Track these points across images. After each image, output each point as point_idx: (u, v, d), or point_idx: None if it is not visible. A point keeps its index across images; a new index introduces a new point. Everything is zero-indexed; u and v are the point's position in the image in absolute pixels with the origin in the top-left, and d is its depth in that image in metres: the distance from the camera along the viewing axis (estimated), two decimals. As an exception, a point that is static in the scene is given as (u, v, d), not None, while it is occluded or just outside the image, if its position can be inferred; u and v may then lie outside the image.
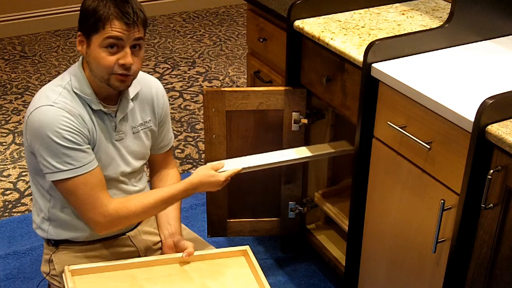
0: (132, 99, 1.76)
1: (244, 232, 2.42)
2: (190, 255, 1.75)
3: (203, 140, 3.22)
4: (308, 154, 2.18)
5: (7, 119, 3.58)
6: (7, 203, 2.90)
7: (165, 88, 1.89)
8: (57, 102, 1.62)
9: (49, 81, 1.73)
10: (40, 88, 1.72)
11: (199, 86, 3.98)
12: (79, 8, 1.66)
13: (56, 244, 1.80)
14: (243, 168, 1.96)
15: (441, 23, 1.94)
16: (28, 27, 4.68)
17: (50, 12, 4.73)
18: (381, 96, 1.83)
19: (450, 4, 1.89)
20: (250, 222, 2.40)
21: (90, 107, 1.68)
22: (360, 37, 2.02)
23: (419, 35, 1.88)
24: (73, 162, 1.62)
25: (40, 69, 4.16)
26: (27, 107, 1.68)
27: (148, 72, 1.95)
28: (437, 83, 1.71)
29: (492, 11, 1.92)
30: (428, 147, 1.66)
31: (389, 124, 1.79)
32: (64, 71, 1.75)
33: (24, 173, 3.09)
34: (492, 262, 1.56)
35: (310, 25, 2.11)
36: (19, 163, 3.17)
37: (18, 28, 4.65)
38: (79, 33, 1.66)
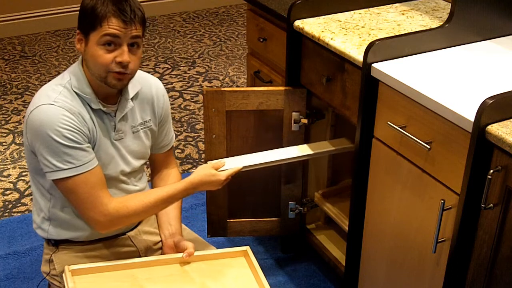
0: (132, 99, 1.76)
1: (244, 232, 2.42)
2: (190, 255, 1.75)
3: (203, 140, 3.22)
4: (309, 152, 2.18)
5: (7, 119, 3.58)
6: (7, 203, 2.90)
7: (165, 88, 1.89)
8: (57, 101, 1.63)
9: (49, 81, 1.73)
10: (40, 88, 1.72)
11: (199, 86, 3.98)
12: (79, 8, 1.66)
13: (56, 244, 1.80)
14: (244, 167, 1.96)
15: (441, 23, 1.94)
16: (28, 27, 4.68)
17: (50, 12, 4.73)
18: (381, 96, 1.83)
19: (450, 4, 1.89)
20: (250, 222, 2.40)
21: (90, 106, 1.68)
22: (360, 37, 2.02)
23: (419, 35, 1.88)
24: (74, 160, 1.62)
25: (40, 69, 4.16)
26: (27, 107, 1.68)
27: (148, 72, 1.94)
28: (437, 83, 1.71)
29: (492, 11, 1.92)
30: (428, 147, 1.66)
31: (389, 124, 1.79)
32: (64, 71, 1.75)
33: (24, 173, 3.09)
34: (492, 262, 1.56)
35: (310, 25, 2.12)
36: (19, 163, 3.17)
37: (18, 28, 4.65)
38: (78, 31, 1.66)
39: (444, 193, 1.66)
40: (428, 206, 1.73)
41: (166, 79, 4.05)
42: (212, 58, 4.36)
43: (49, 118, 1.60)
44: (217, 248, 1.91)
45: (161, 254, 1.85)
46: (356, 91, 1.92)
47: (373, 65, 1.81)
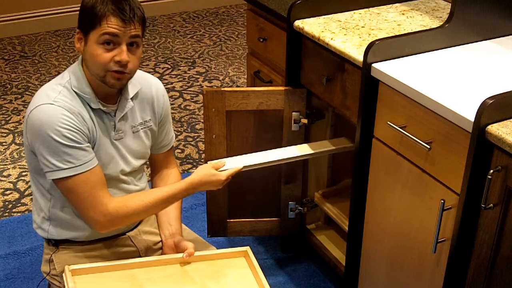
0: (131, 99, 1.76)
1: (244, 232, 2.42)
2: (190, 255, 1.75)
3: (203, 140, 3.22)
4: (309, 151, 2.18)
5: (7, 119, 3.58)
6: (7, 203, 2.90)
7: (165, 88, 1.89)
8: (57, 101, 1.63)
9: (49, 81, 1.74)
10: (40, 87, 1.72)
11: (199, 86, 3.98)
12: (79, 8, 1.66)
13: (57, 244, 1.80)
14: (244, 167, 1.96)
15: (441, 23, 1.94)
16: (28, 27, 4.68)
17: (50, 12, 4.73)
18: (381, 96, 1.83)
19: (450, 4, 1.89)
20: (250, 222, 2.40)
21: (90, 106, 1.68)
22: (360, 37, 2.02)
23: (419, 35, 1.88)
24: (73, 160, 1.62)
25: (40, 69, 4.16)
26: (27, 107, 1.68)
27: (148, 72, 1.94)
28: (437, 83, 1.71)
29: (492, 11, 1.92)
30: (428, 147, 1.66)
31: (389, 124, 1.79)
32: (64, 71, 1.75)
33: (24, 173, 3.09)
34: (492, 262, 1.56)
35: (310, 25, 2.12)
36: (19, 163, 3.17)
37: (18, 28, 4.65)
38: (77, 30, 1.66)
39: (444, 193, 1.66)
40: (428, 206, 1.73)
41: (166, 79, 4.05)
42: (212, 58, 4.36)
43: (48, 117, 1.60)
44: (217, 248, 1.91)
45: (161, 254, 1.85)
46: (356, 91, 1.92)
47: (373, 65, 1.81)
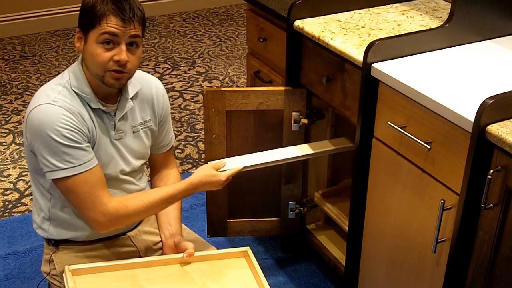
0: (131, 98, 1.76)
1: (244, 232, 2.42)
2: (190, 255, 1.75)
3: (203, 140, 3.22)
4: (309, 151, 2.18)
5: (7, 119, 3.58)
6: (7, 203, 2.90)
7: (165, 88, 1.89)
8: (57, 101, 1.63)
9: (49, 81, 1.74)
10: (40, 87, 1.72)
11: (199, 86, 3.98)
12: (79, 8, 1.67)
13: (57, 244, 1.80)
14: (244, 167, 1.96)
15: (441, 23, 1.94)
16: (28, 27, 4.68)
17: (50, 12, 4.73)
18: (381, 96, 1.83)
19: (450, 4, 1.89)
20: (250, 222, 2.40)
21: (89, 106, 1.68)
22: (360, 37, 2.02)
23: (419, 35, 1.88)
24: (73, 160, 1.62)
25: (40, 69, 4.16)
26: (27, 107, 1.68)
27: (148, 72, 1.94)
28: (437, 83, 1.71)
29: (492, 11, 1.92)
30: (428, 147, 1.66)
31: (389, 124, 1.79)
32: (64, 71, 1.75)
33: (24, 173, 3.09)
34: (492, 262, 1.56)
35: (310, 25, 2.12)
36: (19, 163, 3.17)
37: (18, 28, 4.65)
38: (77, 29, 1.66)
39: (444, 193, 1.66)
40: (428, 206, 1.73)
41: (166, 79, 4.05)
42: (212, 58, 4.36)
43: (48, 117, 1.60)
44: (217, 248, 1.91)
45: (161, 254, 1.85)
46: (356, 91, 1.92)
47: (373, 65, 1.81)
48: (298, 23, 2.14)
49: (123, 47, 1.62)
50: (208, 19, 5.06)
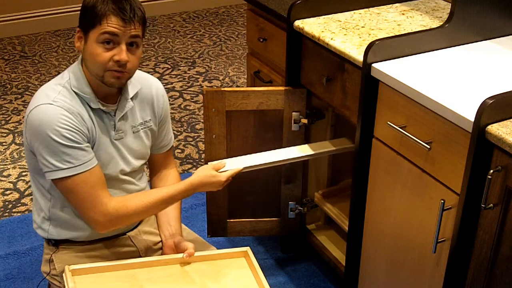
0: (131, 99, 1.76)
1: (244, 232, 2.42)
2: (190, 255, 1.75)
3: (203, 140, 3.22)
4: (310, 152, 2.18)
5: (7, 119, 3.58)
6: (7, 203, 2.90)
7: (165, 88, 1.89)
8: (56, 101, 1.63)
9: (49, 81, 1.74)
10: (40, 87, 1.72)
11: (199, 86, 3.98)
12: (79, 8, 1.67)
13: (57, 244, 1.80)
14: (244, 168, 1.96)
15: (441, 23, 1.94)
16: (28, 27, 4.68)
17: (50, 12, 4.73)
18: (381, 96, 1.83)
19: (450, 4, 1.89)
20: (250, 222, 2.40)
21: (89, 106, 1.68)
22: (360, 37, 2.02)
23: (419, 35, 1.88)
24: (73, 160, 1.62)
25: (40, 69, 4.16)
26: (27, 107, 1.68)
27: (148, 72, 1.95)
28: (437, 83, 1.71)
29: (492, 11, 1.92)
30: (428, 147, 1.66)
31: (389, 124, 1.79)
32: (64, 71, 1.75)
33: (24, 173, 3.09)
34: (492, 262, 1.56)
35: (310, 25, 2.12)
36: (19, 163, 3.17)
37: (18, 28, 4.65)
38: (78, 29, 1.66)
39: (444, 193, 1.66)
40: (428, 206, 1.73)
41: (166, 79, 4.05)
42: (212, 58, 4.36)
43: (48, 117, 1.60)
44: (217, 248, 1.91)
45: (161, 254, 1.85)
46: (356, 91, 1.92)
47: (373, 65, 1.81)
48: (298, 23, 2.14)
49: (123, 47, 1.62)
50: (208, 19, 5.06)
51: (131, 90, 1.75)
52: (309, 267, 2.52)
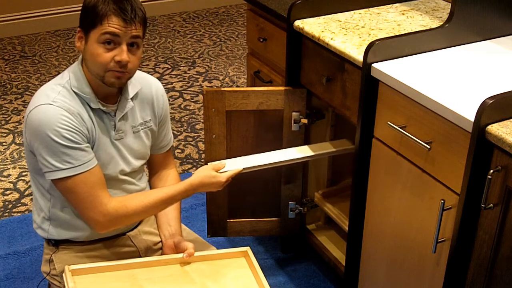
0: (131, 99, 1.76)
1: (244, 232, 2.42)
2: (190, 255, 1.75)
3: (203, 140, 3.22)
4: (310, 153, 2.18)
5: (7, 119, 3.58)
6: (7, 203, 2.90)
7: (165, 88, 1.89)
8: (56, 101, 1.63)
9: (49, 81, 1.74)
10: (40, 87, 1.72)
11: (199, 86, 3.98)
12: (79, 8, 1.67)
13: (57, 244, 1.80)
14: (244, 168, 1.96)
15: (441, 23, 1.94)
16: (28, 27, 4.68)
17: (50, 12, 4.73)
18: (381, 96, 1.83)
19: (450, 4, 1.89)
20: (250, 222, 2.40)
21: (89, 106, 1.68)
22: (360, 37, 2.02)
23: (419, 35, 1.88)
24: (72, 160, 1.62)
25: (40, 69, 4.16)
26: (27, 107, 1.68)
27: (148, 72, 1.95)
28: (437, 83, 1.71)
29: (492, 11, 1.92)
30: (428, 147, 1.66)
31: (389, 124, 1.79)
32: (64, 71, 1.75)
33: (24, 173, 3.09)
34: (492, 262, 1.56)
35: (310, 25, 2.12)
36: (19, 163, 3.17)
37: (18, 28, 4.65)
38: (78, 29, 1.66)
39: (444, 193, 1.66)
40: (428, 206, 1.73)
41: (166, 79, 4.05)
42: (212, 58, 4.36)
43: (47, 118, 1.60)
44: (217, 248, 1.91)
45: (161, 254, 1.85)
46: (356, 91, 1.92)
47: (373, 65, 1.81)
48: (298, 23, 2.14)
49: (124, 47, 1.62)
50: (208, 19, 5.06)
51: (131, 90, 1.75)
52: (309, 267, 2.52)
